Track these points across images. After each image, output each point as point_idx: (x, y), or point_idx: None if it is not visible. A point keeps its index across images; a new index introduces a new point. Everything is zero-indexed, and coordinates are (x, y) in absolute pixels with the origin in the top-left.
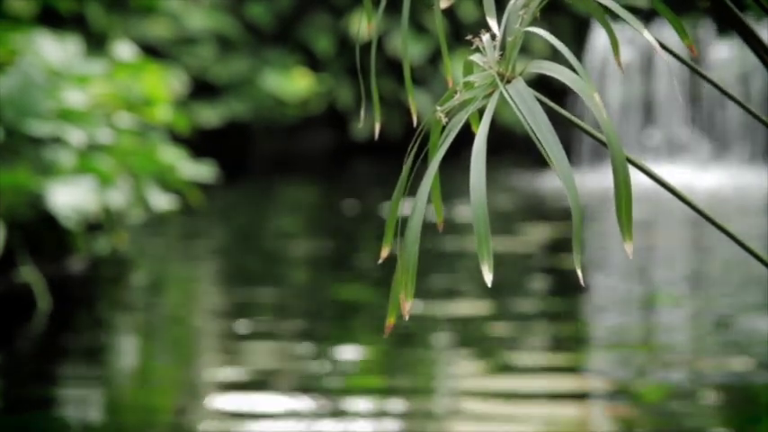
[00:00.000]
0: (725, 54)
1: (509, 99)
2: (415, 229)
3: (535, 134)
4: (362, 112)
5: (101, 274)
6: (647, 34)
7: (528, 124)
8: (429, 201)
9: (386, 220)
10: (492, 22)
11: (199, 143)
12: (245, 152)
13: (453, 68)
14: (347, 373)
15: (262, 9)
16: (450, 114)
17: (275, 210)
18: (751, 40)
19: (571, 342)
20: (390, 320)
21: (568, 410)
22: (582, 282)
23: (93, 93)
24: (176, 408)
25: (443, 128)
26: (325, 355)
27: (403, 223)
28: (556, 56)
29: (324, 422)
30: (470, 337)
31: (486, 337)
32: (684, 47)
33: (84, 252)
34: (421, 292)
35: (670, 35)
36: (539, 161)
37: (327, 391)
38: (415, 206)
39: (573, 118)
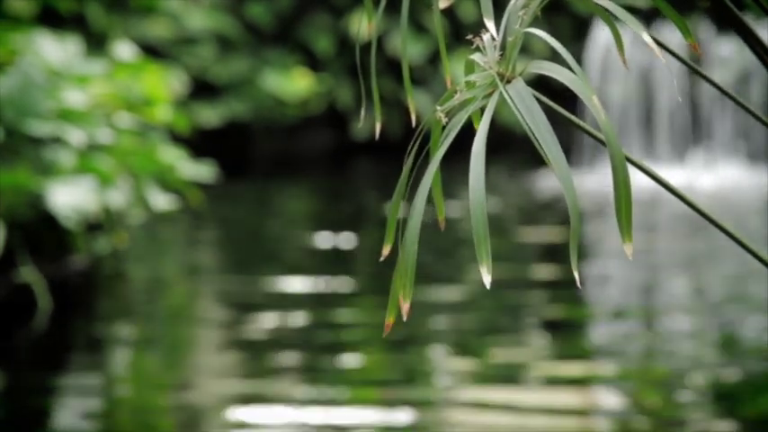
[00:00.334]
0: (725, 54)
1: (508, 99)
2: (414, 229)
3: (534, 134)
4: (362, 112)
5: (101, 274)
6: (645, 36)
7: (527, 124)
8: (429, 201)
9: (387, 219)
10: (489, 24)
11: (199, 143)
12: (245, 152)
13: (453, 68)
14: (347, 381)
15: (262, 9)
16: (451, 114)
17: (275, 210)
18: (750, 39)
19: (574, 350)
20: (389, 320)
21: (569, 419)
22: (578, 283)
23: (93, 93)
24: (176, 408)
25: (443, 128)
26: (325, 357)
27: (403, 224)
28: (556, 56)
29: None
30: (466, 344)
31: (483, 344)
32: (684, 47)
33: (84, 252)
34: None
35: (670, 36)
36: (539, 161)
37: (328, 392)
38: (415, 206)
39: (573, 118)
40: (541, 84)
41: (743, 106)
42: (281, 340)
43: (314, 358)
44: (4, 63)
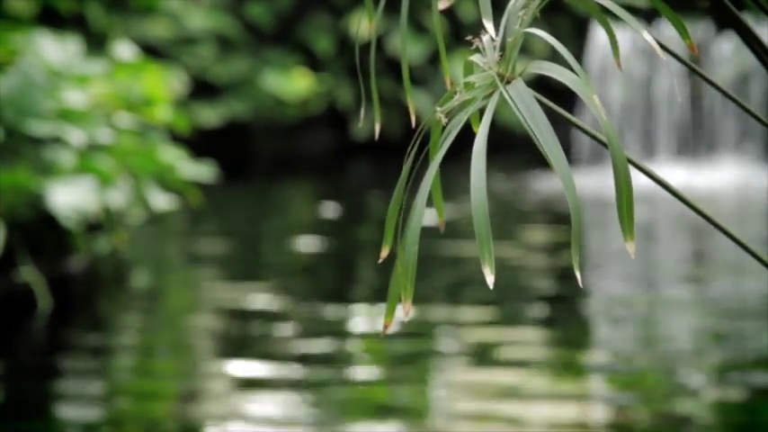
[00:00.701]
0: (725, 53)
1: (509, 100)
2: (414, 229)
3: (535, 135)
4: (362, 112)
5: (101, 274)
6: (646, 35)
7: (527, 125)
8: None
9: (386, 220)
10: (488, 25)
11: (199, 143)
12: (245, 152)
13: (453, 69)
14: (348, 385)
15: (262, 9)
16: (451, 115)
17: (275, 210)
18: (750, 39)
19: (574, 360)
20: (387, 320)
21: (569, 412)
22: (580, 283)
23: (93, 93)
24: (176, 408)
25: (443, 128)
26: (325, 356)
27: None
28: (556, 56)
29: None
30: (470, 349)
31: (487, 347)
32: (684, 47)
33: (84, 252)
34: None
35: (671, 36)
36: (540, 161)
37: (328, 393)
38: (415, 207)
39: (573, 118)
40: (541, 84)
41: (743, 107)
42: (279, 335)
43: (313, 368)
44: (4, 63)
